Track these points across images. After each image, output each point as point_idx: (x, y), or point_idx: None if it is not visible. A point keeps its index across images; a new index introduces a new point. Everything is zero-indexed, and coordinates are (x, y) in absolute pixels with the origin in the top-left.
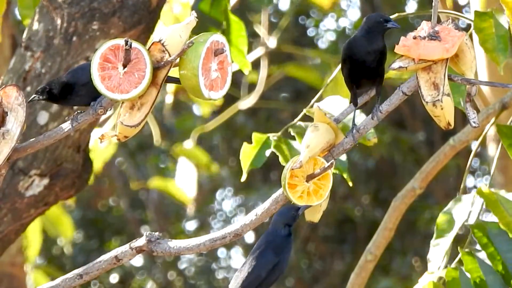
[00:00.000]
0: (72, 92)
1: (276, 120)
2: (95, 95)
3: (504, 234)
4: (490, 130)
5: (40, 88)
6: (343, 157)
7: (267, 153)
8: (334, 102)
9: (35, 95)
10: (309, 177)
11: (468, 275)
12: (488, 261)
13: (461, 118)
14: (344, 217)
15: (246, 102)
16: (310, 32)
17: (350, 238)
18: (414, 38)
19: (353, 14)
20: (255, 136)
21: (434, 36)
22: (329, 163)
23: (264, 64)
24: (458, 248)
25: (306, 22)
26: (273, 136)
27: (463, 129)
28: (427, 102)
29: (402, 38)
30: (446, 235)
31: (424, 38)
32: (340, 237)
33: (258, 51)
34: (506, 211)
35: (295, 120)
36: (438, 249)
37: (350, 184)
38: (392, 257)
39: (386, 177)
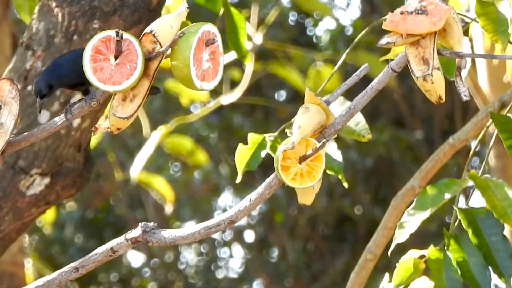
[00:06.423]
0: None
1: (274, 119)
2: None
3: (490, 218)
4: (490, 129)
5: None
6: (339, 158)
7: (262, 154)
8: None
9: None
10: (302, 159)
11: (450, 255)
12: (471, 243)
13: (461, 116)
14: (343, 216)
15: (229, 97)
16: (309, 31)
17: (349, 237)
18: (402, 13)
19: (352, 13)
20: (251, 137)
21: (421, 11)
22: (320, 143)
23: (250, 59)
24: (444, 230)
25: (305, 21)
26: (269, 137)
27: (462, 128)
28: (417, 77)
29: (390, 14)
30: (426, 210)
31: (411, 13)
32: (340, 236)
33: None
34: (494, 195)
35: (292, 120)
36: (413, 220)
37: (346, 185)
38: (392, 257)
39: (385, 176)
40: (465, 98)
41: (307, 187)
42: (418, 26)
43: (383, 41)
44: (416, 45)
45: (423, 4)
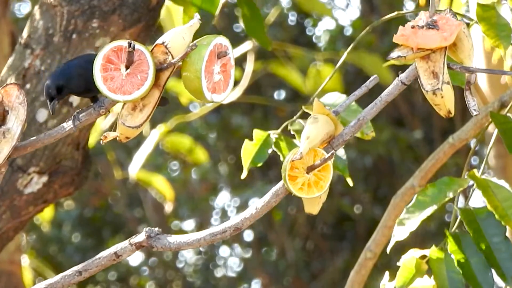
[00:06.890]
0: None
1: (273, 118)
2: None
3: (491, 218)
4: (490, 129)
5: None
6: (343, 156)
7: (269, 151)
8: (333, 98)
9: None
10: (310, 169)
11: (452, 256)
12: (473, 244)
13: (461, 116)
14: (343, 215)
15: (229, 96)
16: (309, 31)
17: (349, 235)
18: (412, 27)
19: (351, 13)
20: (256, 133)
21: (432, 25)
22: (329, 154)
23: (250, 59)
24: (445, 230)
25: (305, 21)
26: (273, 134)
27: (462, 127)
28: (427, 91)
29: (401, 27)
30: (425, 208)
31: (422, 27)
32: (339, 234)
33: (246, 46)
34: (495, 195)
35: (295, 118)
36: (413, 218)
37: (351, 184)
38: (391, 255)
39: (384, 175)
40: (474, 113)
41: (314, 197)
42: (428, 40)
43: (394, 54)
44: (426, 59)
45: (434, 19)
